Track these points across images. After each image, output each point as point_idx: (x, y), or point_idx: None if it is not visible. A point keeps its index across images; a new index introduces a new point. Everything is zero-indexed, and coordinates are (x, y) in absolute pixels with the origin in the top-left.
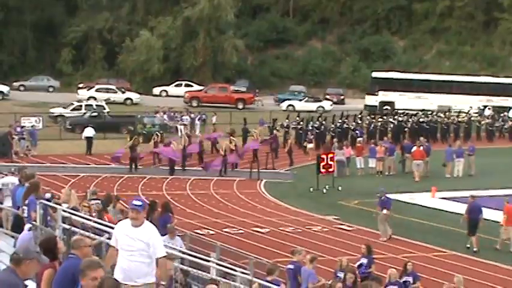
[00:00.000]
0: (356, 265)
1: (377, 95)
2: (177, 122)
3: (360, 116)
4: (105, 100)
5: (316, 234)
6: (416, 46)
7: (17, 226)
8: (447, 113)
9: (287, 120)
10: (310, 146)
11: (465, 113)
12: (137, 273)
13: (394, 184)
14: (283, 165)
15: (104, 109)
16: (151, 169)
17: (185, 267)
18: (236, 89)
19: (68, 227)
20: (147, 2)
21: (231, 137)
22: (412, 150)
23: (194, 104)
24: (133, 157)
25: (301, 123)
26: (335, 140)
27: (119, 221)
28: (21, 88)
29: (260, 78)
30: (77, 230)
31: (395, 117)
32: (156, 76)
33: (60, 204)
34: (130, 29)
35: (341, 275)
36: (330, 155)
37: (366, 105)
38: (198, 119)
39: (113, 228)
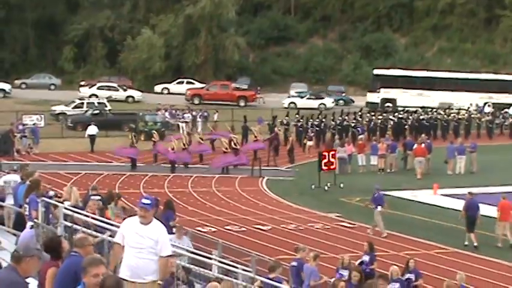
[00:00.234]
0: (357, 262)
1: (379, 92)
2: (179, 119)
3: (360, 113)
4: (106, 98)
5: (318, 231)
6: (417, 43)
7: (19, 224)
8: (447, 110)
9: (287, 118)
10: (310, 143)
11: (465, 110)
12: (145, 270)
13: (396, 181)
14: (284, 163)
15: (106, 107)
16: (152, 167)
17: (187, 265)
18: (237, 86)
19: (69, 224)
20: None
21: (232, 135)
22: (414, 147)
23: (196, 101)
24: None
25: (301, 120)
26: (336, 137)
27: (123, 219)
28: (23, 86)
29: (261, 75)
30: (78, 227)
31: (395, 114)
32: (157, 74)
33: (62, 202)
34: (131, 27)
35: (343, 272)
36: (332, 152)
37: (367, 103)
38: (200, 117)
39: (112, 225)
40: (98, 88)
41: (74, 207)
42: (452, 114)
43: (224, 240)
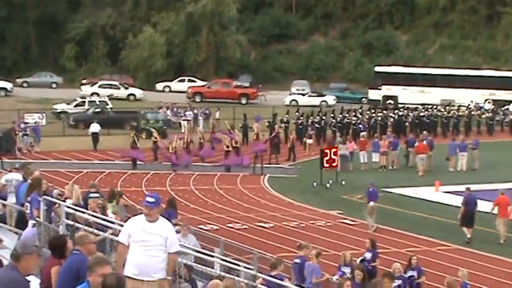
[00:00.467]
0: (358, 260)
1: (380, 89)
2: (180, 117)
3: (360, 110)
4: (108, 96)
5: (319, 228)
6: (419, 40)
7: (21, 222)
8: (447, 107)
9: (287, 116)
10: (310, 141)
11: (465, 107)
12: (154, 268)
13: (398, 178)
14: (285, 161)
15: (107, 105)
16: (154, 165)
17: (189, 263)
18: (239, 84)
19: (71, 223)
20: None
21: (231, 135)
22: (415, 144)
23: (197, 99)
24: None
25: (301, 118)
26: (338, 134)
27: (127, 217)
28: (24, 84)
29: (263, 73)
30: (80, 226)
31: (395, 111)
32: (159, 72)
33: (64, 201)
34: (133, 25)
35: (345, 269)
36: (334, 150)
37: (369, 100)
38: (201, 115)
39: (113, 223)
40: (100, 86)
41: (75, 205)
42: (452, 111)
43: (226, 238)
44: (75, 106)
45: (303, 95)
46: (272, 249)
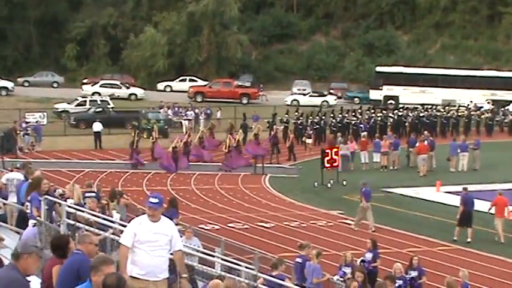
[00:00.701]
0: (358, 261)
1: (381, 89)
2: (182, 117)
3: (359, 110)
4: (109, 95)
5: (320, 228)
6: (420, 40)
7: (22, 222)
8: (446, 108)
9: (286, 116)
10: (309, 141)
11: (465, 107)
12: (160, 268)
13: (399, 178)
14: (285, 160)
15: (109, 104)
16: (155, 164)
17: (190, 262)
18: (240, 84)
19: (72, 222)
20: None
21: (230, 135)
22: (416, 144)
23: (198, 99)
24: (136, 153)
25: (301, 118)
26: (339, 134)
27: (128, 218)
28: (26, 84)
29: (264, 73)
30: (81, 225)
31: (395, 111)
32: (160, 71)
33: (65, 200)
34: (134, 25)
35: (346, 269)
36: (334, 150)
37: (370, 100)
38: (203, 114)
39: (114, 223)
40: (101, 86)
41: (76, 205)
42: (451, 112)
43: (227, 237)
44: (77, 105)
45: (304, 94)
46: (273, 249)
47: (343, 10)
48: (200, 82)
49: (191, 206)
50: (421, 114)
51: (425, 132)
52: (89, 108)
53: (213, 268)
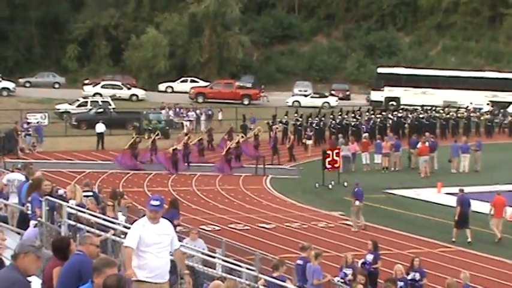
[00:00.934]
0: (359, 263)
1: (383, 90)
2: (183, 118)
3: (359, 111)
4: (110, 96)
5: (321, 230)
6: (421, 42)
7: (23, 222)
8: (446, 109)
9: (286, 117)
10: (309, 142)
11: (464, 108)
12: (167, 269)
13: (400, 180)
14: (287, 162)
15: (110, 105)
16: (156, 165)
17: (191, 263)
18: (241, 85)
19: (73, 223)
20: None
21: (229, 140)
22: (418, 146)
23: (200, 100)
24: (134, 155)
25: (300, 119)
26: (340, 135)
27: (128, 218)
28: (27, 84)
29: (265, 74)
30: (82, 226)
31: (394, 113)
32: (161, 72)
33: (67, 201)
34: (136, 25)
35: (347, 271)
36: (336, 151)
37: (371, 101)
38: (204, 115)
39: (115, 223)
40: (102, 87)
41: (78, 205)
42: (451, 113)
43: (228, 238)
44: (78, 106)
45: (306, 96)
46: (274, 250)
47: (344, 11)
48: (201, 83)
49: (192, 207)
50: (421, 116)
51: (427, 133)
52: (90, 109)
53: (214, 269)
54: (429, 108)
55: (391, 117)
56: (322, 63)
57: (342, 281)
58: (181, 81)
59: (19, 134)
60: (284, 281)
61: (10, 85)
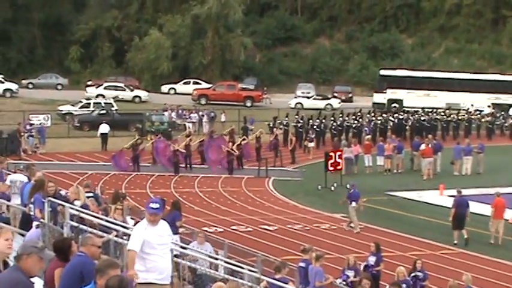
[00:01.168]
0: (362, 267)
1: (385, 92)
2: (186, 119)
3: (360, 114)
4: (113, 98)
5: (324, 232)
6: (424, 44)
7: (25, 223)
8: (447, 111)
9: (286, 119)
10: (311, 144)
11: (465, 111)
12: (170, 270)
13: (402, 182)
14: (288, 164)
15: (113, 107)
16: (158, 167)
17: (193, 265)
18: (244, 86)
19: (76, 224)
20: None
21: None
22: (421, 148)
23: (202, 101)
24: (135, 156)
25: (301, 121)
26: (343, 137)
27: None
28: (30, 86)
29: (268, 76)
30: (85, 227)
31: (395, 115)
32: (164, 74)
33: (71, 202)
34: (139, 27)
35: (349, 273)
36: (338, 153)
37: (374, 103)
38: (206, 117)
39: (117, 225)
40: (105, 88)
41: (82, 207)
42: (452, 115)
43: (230, 240)
44: (81, 108)
45: (308, 98)
46: (276, 252)
47: (347, 13)
48: (204, 85)
49: (194, 208)
50: (422, 118)
51: (429, 135)
52: (93, 111)
53: (216, 271)
54: (430, 110)
55: (392, 119)
56: (324, 65)
57: (344, 283)
58: (184, 83)
59: (22, 135)
60: (286, 283)
61: (13, 86)
